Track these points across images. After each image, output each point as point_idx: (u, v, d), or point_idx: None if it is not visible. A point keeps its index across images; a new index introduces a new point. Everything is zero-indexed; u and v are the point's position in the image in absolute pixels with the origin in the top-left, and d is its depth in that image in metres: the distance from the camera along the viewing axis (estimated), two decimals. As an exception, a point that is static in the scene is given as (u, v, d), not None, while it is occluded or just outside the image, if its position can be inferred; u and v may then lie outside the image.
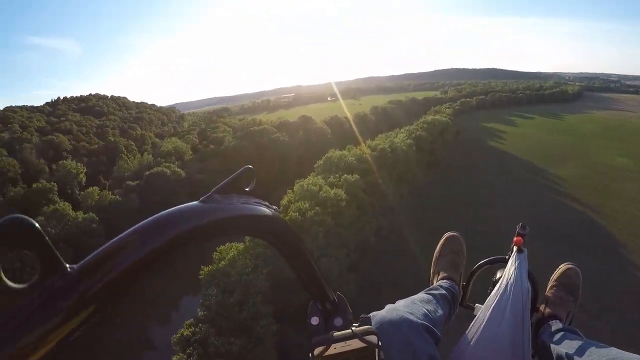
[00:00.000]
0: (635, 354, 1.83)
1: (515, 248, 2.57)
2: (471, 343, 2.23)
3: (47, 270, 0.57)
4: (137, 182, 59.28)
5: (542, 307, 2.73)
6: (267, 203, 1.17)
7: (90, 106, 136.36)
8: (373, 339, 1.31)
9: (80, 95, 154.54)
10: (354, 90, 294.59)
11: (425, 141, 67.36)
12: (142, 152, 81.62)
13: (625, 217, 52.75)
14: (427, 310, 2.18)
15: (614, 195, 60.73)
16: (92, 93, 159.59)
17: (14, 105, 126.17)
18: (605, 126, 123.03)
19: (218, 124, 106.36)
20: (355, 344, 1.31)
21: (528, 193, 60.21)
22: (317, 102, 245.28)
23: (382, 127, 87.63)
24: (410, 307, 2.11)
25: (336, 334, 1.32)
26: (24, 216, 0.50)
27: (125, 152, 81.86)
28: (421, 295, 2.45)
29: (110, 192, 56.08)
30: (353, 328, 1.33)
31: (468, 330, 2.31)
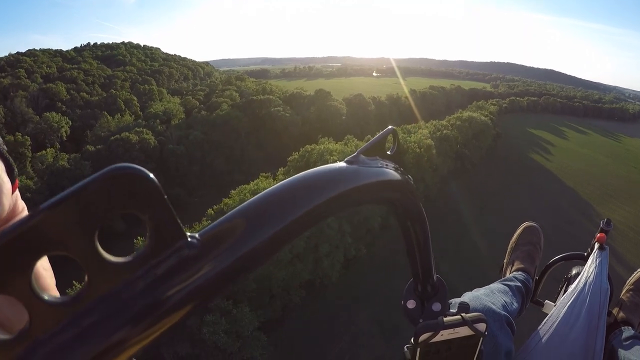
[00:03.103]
0: None
1: (597, 245, 2.47)
2: (542, 341, 2.12)
3: (164, 240, 0.44)
4: (99, 147, 51.68)
5: (615, 311, 2.57)
6: (402, 169, 0.99)
7: (115, 54, 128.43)
8: (482, 327, 1.28)
9: (112, 43, 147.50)
10: (402, 69, 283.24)
11: (453, 143, 54.82)
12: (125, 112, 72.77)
13: None
14: (505, 301, 2.10)
15: None
16: (125, 41, 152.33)
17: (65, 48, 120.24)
18: None
19: (231, 86, 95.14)
20: (464, 331, 1.27)
21: (561, 238, 47.01)
22: (362, 75, 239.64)
23: (413, 115, 78.13)
24: (491, 296, 2.04)
25: (446, 319, 1.26)
26: (140, 168, 0.38)
27: (124, 108, 74.62)
28: (498, 285, 2.37)
29: (67, 156, 49.92)
30: (463, 314, 1.29)
31: (540, 327, 2.19)
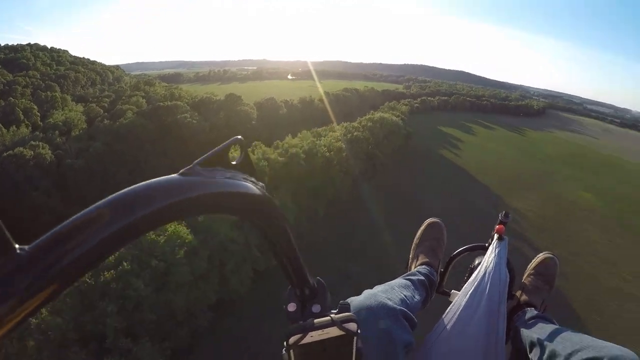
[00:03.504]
0: (606, 342, 1.87)
1: (496, 236, 2.68)
2: (447, 328, 2.27)
3: None
4: (-10, 164, 46.36)
5: (518, 294, 2.77)
6: (254, 179, 1.04)
7: (18, 57, 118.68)
8: (352, 326, 1.28)
9: (17, 44, 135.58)
10: (319, 72, 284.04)
11: (364, 144, 54.54)
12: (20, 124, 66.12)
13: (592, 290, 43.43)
14: (405, 295, 2.19)
15: (580, 247, 52.13)
16: (32, 43, 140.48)
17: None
18: (569, 151, 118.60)
19: (139, 91, 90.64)
20: (334, 331, 1.27)
21: (472, 229, 48.24)
22: (277, 78, 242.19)
23: (329, 118, 76.35)
24: (388, 292, 2.11)
25: (316, 321, 1.27)
26: None
27: (23, 118, 68.06)
28: (399, 280, 2.45)
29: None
30: (332, 315, 1.30)
31: (444, 315, 2.35)
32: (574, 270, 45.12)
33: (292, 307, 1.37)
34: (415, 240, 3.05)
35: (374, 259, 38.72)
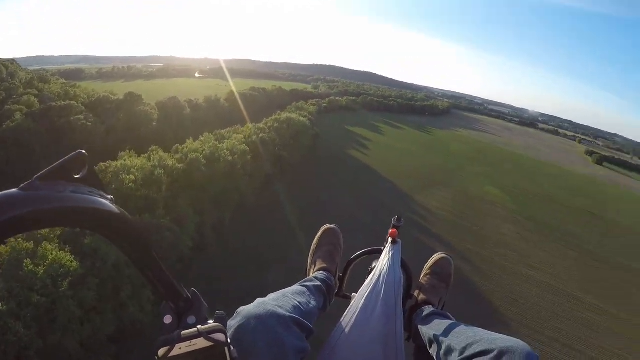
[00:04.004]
0: (500, 334, 1.95)
1: (390, 239, 2.75)
2: (345, 331, 2.29)
3: None
4: None
5: (416, 294, 2.85)
6: (102, 192, 1.06)
7: None
8: (220, 337, 1.28)
9: None
10: (227, 71, 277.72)
11: (271, 146, 53.41)
12: None
13: (509, 279, 45.75)
14: (299, 302, 2.19)
15: (492, 241, 54.36)
16: None
17: None
18: (473, 148, 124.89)
19: (33, 89, 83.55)
20: (202, 342, 1.26)
21: (382, 228, 48.24)
22: (185, 76, 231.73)
23: (237, 117, 74.76)
24: (280, 300, 2.11)
25: (183, 332, 1.26)
26: None
27: None
28: (294, 287, 2.46)
29: None
30: (199, 326, 1.29)
31: (342, 318, 2.37)
32: (487, 265, 47.11)
33: (167, 319, 1.33)
34: (313, 246, 3.10)
35: (291, 263, 36.43)
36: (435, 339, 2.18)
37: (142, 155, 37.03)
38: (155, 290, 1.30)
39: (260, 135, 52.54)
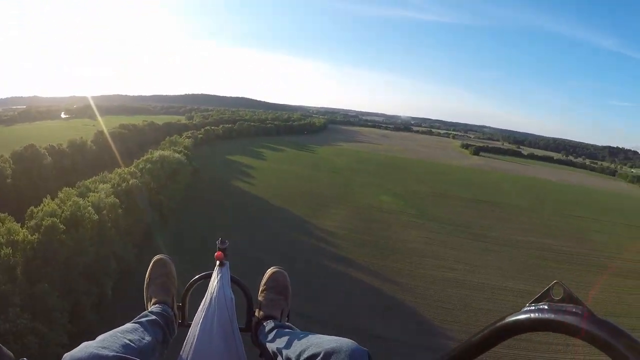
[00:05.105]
0: (326, 336, 2.06)
1: (217, 262, 2.73)
2: None
3: None
4: None
5: (257, 312, 2.85)
6: None
7: None
8: None
9: None
10: (96, 108, 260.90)
11: (145, 192, 48.06)
12: None
13: (431, 290, 45.04)
14: (130, 340, 2.11)
15: (404, 252, 53.45)
16: None
17: None
18: (357, 159, 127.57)
19: None
20: None
21: (278, 261, 44.71)
22: (49, 118, 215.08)
23: (108, 160, 69.65)
24: (107, 340, 2.02)
25: None
26: None
27: None
28: (126, 325, 2.37)
29: None
30: None
31: (182, 349, 2.38)
32: (407, 280, 46.02)
33: None
34: (146, 280, 2.95)
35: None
36: (278, 352, 2.23)
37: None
38: None
39: (132, 181, 46.62)
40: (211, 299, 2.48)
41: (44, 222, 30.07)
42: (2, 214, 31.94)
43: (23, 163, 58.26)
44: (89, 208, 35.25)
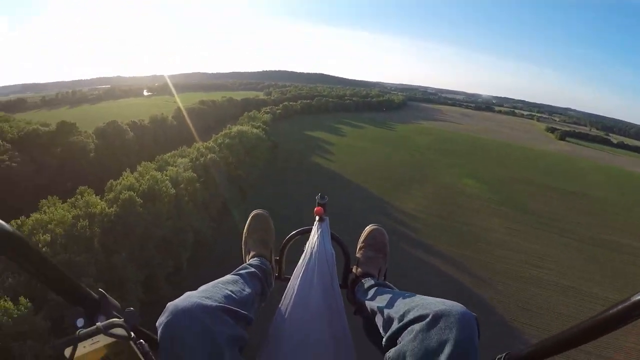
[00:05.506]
0: (435, 298, 1.93)
1: (317, 217, 2.73)
2: (287, 313, 2.32)
3: None
4: None
5: (354, 268, 2.83)
6: None
7: None
8: (120, 331, 1.28)
9: None
10: (176, 86, 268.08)
11: (223, 167, 47.17)
12: None
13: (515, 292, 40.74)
14: (231, 291, 2.13)
15: (486, 241, 49.70)
16: None
17: None
18: (439, 138, 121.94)
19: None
20: (104, 339, 1.26)
21: (355, 237, 43.02)
22: (133, 96, 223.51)
23: (187, 135, 70.01)
24: (209, 291, 2.04)
25: (83, 331, 1.25)
26: None
27: None
28: (226, 277, 2.40)
29: None
30: (98, 323, 1.28)
31: (281, 302, 2.40)
32: (488, 274, 42.70)
33: (80, 322, 1.33)
34: (244, 235, 3.01)
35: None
36: (378, 310, 2.18)
37: (69, 201, 30.21)
38: (63, 297, 1.31)
39: (210, 156, 46.03)
40: (311, 253, 2.47)
41: (121, 196, 29.63)
42: (82, 187, 31.72)
43: (106, 138, 59.10)
44: (167, 182, 34.78)
